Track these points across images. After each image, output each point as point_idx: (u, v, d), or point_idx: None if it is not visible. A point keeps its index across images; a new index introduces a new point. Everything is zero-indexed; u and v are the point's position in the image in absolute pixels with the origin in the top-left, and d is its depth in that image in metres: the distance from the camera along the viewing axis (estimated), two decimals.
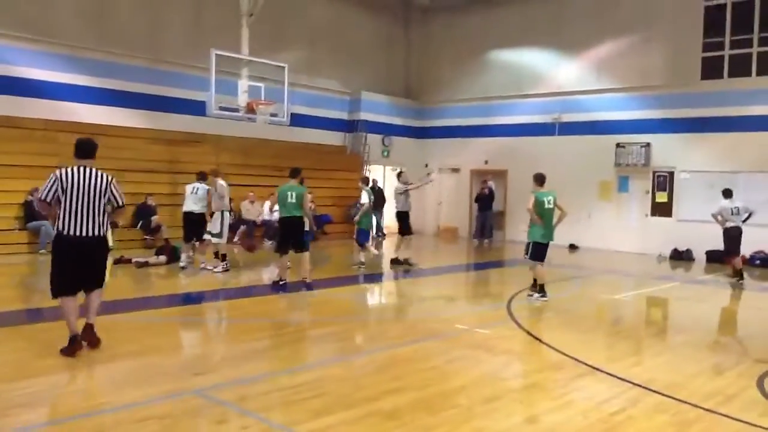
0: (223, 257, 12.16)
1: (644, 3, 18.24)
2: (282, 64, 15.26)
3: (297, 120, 17.28)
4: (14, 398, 5.13)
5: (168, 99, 17.04)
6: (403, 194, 13.86)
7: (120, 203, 6.65)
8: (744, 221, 13.06)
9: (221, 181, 12.17)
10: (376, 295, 11.79)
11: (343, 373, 6.27)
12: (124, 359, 6.37)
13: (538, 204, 10.11)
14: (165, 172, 16.16)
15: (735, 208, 13.02)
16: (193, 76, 16.37)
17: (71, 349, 6.31)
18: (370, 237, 13.79)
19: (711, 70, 17.29)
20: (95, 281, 6.61)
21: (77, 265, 6.39)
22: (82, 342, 6.42)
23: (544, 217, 10.15)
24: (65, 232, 6.31)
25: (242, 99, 14.55)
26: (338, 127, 21.63)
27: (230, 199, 12.85)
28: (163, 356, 6.65)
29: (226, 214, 12.17)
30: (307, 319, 9.10)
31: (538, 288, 10.30)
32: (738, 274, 13.12)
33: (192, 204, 12.13)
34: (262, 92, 14.93)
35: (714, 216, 13.20)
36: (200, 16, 17.64)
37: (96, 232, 6.41)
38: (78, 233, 6.30)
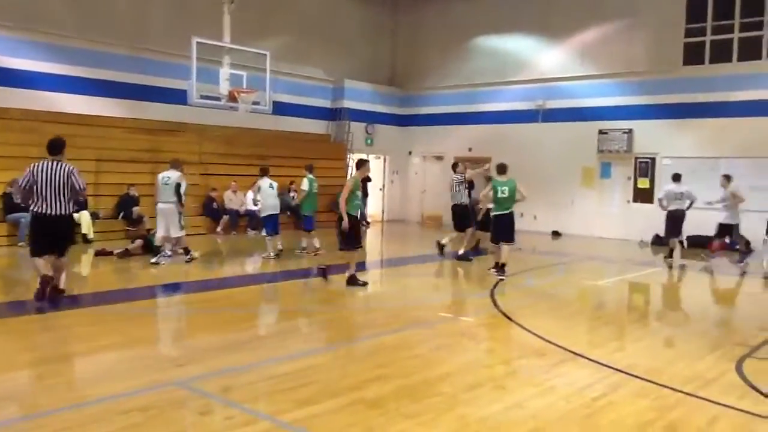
0: (157, 248, 11.93)
1: None
2: (264, 52, 15.16)
3: (280, 108, 17.18)
4: None
5: (149, 88, 16.90)
6: (460, 186, 13.20)
7: (79, 187, 8.14)
8: (687, 208, 13.36)
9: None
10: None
11: (328, 362, 6.29)
12: (107, 351, 6.36)
13: (494, 191, 11.24)
14: (147, 161, 16.01)
15: (680, 192, 13.34)
16: (176, 64, 16.20)
17: (41, 287, 7.82)
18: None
19: (693, 56, 17.38)
20: (62, 249, 8.27)
21: (47, 236, 8.08)
22: (50, 281, 7.90)
23: (497, 203, 11.31)
24: (38, 211, 7.97)
25: (224, 87, 14.41)
26: (322, 115, 21.56)
27: (178, 186, 11.72)
28: (147, 348, 6.64)
29: (157, 206, 11.86)
30: (292, 308, 9.09)
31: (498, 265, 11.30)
32: (671, 254, 13.58)
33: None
34: (244, 80, 14.81)
35: (659, 200, 13.70)
36: (182, 3, 17.45)
37: (61, 211, 8.02)
38: (47, 212, 7.93)
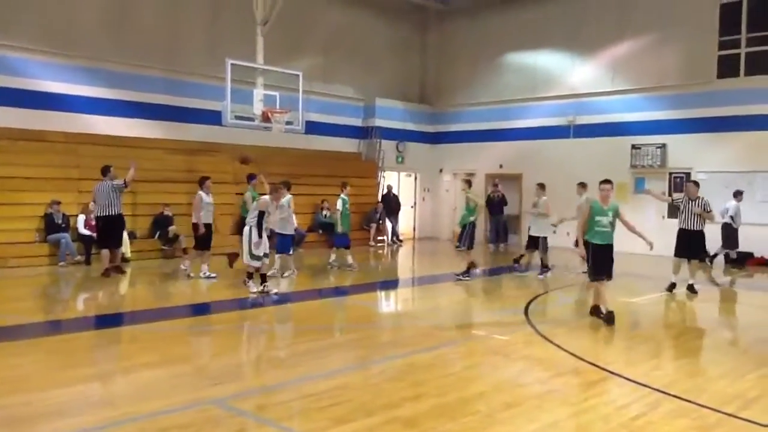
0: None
1: (659, 3, 18.13)
2: (296, 72, 15.36)
3: (312, 127, 17.36)
4: (40, 408, 5.20)
5: (185, 109, 17.22)
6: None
7: (118, 188, 12.17)
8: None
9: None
10: (392, 303, 11.81)
11: (362, 380, 6.29)
12: (144, 369, 6.44)
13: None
14: (183, 182, 16.24)
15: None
16: (210, 85, 16.51)
17: (106, 271, 12.01)
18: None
19: (727, 68, 17.16)
20: (115, 242, 12.56)
21: (105, 230, 12.36)
22: (110, 268, 12.13)
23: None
24: (97, 215, 12.42)
25: (257, 108, 14.65)
26: (353, 134, 21.72)
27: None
28: (183, 366, 6.71)
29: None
30: (324, 326, 9.12)
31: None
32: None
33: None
34: (277, 101, 15.03)
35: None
36: (216, 26, 17.78)
37: (110, 213, 12.17)
38: (101, 214, 12.25)
